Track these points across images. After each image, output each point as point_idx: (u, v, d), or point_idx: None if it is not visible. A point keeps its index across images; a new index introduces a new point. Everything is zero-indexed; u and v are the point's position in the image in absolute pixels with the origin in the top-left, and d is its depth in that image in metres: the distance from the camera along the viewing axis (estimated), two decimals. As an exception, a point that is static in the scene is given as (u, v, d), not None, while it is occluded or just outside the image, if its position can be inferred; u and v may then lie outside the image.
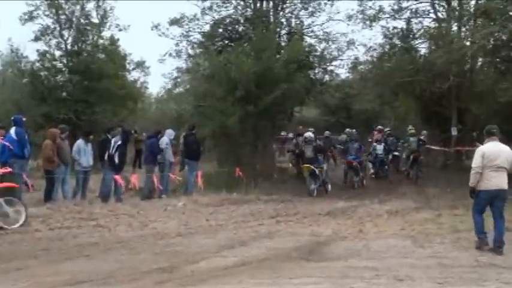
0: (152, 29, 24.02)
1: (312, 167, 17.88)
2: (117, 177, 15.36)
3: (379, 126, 26.10)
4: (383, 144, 22.64)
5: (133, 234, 10.40)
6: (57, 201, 14.14)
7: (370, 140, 24.19)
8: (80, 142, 15.60)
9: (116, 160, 15.49)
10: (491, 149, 9.15)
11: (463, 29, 22.00)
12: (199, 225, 11.48)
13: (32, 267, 7.77)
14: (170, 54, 24.19)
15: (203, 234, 10.38)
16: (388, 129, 25.63)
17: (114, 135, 15.97)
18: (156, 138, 17.38)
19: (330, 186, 18.88)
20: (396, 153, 23.31)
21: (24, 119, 13.82)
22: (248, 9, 23.82)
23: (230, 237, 10.08)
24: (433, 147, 23.74)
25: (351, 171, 20.28)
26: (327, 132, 22.16)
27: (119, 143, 15.53)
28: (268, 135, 21.74)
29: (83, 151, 15.44)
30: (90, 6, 27.57)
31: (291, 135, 24.93)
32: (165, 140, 17.39)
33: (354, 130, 22.75)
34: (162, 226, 11.32)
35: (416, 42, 24.17)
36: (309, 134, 19.22)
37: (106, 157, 15.53)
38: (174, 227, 11.26)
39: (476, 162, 9.10)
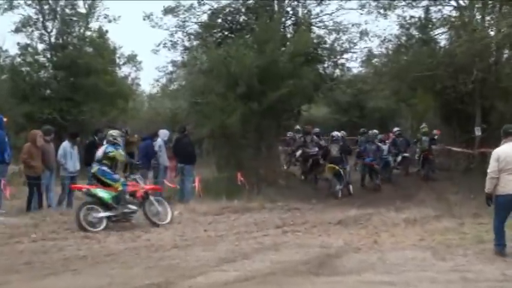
0: (144, 19, 24.04)
1: (338, 167, 19.06)
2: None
3: (396, 128, 26.18)
4: (388, 144, 23.19)
5: (125, 246, 10.40)
6: (40, 210, 14.17)
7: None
8: (65, 145, 15.61)
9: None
10: (507, 151, 9.33)
11: (487, 18, 21.94)
12: (197, 236, 11.49)
13: (13, 282, 7.78)
14: (165, 45, 24.21)
15: (201, 246, 10.37)
16: (397, 129, 25.92)
17: (102, 137, 15.99)
18: (151, 140, 17.43)
19: (352, 188, 19.87)
20: (406, 154, 23.74)
21: (4, 119, 13.87)
22: (250, -4, 23.82)
23: (231, 249, 10.08)
24: (454, 148, 23.71)
25: (373, 173, 21.08)
26: (342, 132, 22.49)
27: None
28: (273, 136, 21.73)
29: (69, 154, 15.45)
30: (76, -6, 27.72)
31: (289, 135, 25.32)
32: (158, 142, 17.41)
33: (376, 131, 23.20)
34: (156, 237, 11.33)
35: (436, 32, 24.10)
36: (336, 133, 20.48)
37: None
38: (169, 238, 11.26)
39: (491, 166, 9.31)
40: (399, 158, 23.59)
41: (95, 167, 12.92)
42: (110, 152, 12.93)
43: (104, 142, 13.46)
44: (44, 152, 14.57)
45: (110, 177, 12.83)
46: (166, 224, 12.79)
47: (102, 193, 12.51)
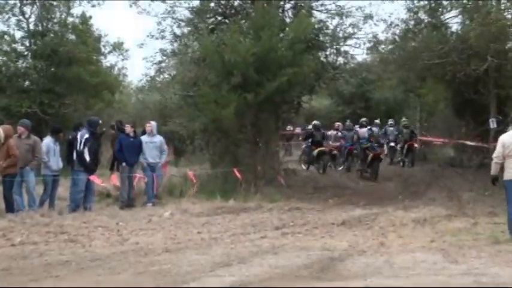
0: (131, 6, 23.91)
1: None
2: (93, 177, 15.44)
3: (391, 120, 29.30)
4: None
5: (112, 250, 10.41)
6: (20, 211, 14.16)
7: None
8: (48, 141, 15.61)
9: (87, 157, 15.49)
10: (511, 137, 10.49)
11: (503, 0, 21.92)
12: (190, 239, 11.51)
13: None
14: (152, 36, 24.05)
15: (194, 250, 10.40)
16: (391, 120, 28.98)
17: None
18: (122, 132, 17.52)
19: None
20: (392, 144, 27.77)
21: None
22: (245, -21, 23.74)
23: (226, 252, 10.10)
24: (467, 142, 23.79)
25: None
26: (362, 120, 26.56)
27: (86, 136, 15.55)
28: (272, 130, 21.74)
29: (52, 152, 15.46)
30: (56, -24, 27.62)
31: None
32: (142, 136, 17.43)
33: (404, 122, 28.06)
34: (146, 240, 11.34)
35: (447, 16, 24.03)
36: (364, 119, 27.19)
37: (74, 156, 15.50)
38: (159, 241, 11.28)
39: (496, 151, 10.61)
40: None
41: (367, 143, 24.06)
42: (370, 133, 24.43)
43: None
44: (9, 147, 14.45)
45: (375, 148, 23.96)
46: None
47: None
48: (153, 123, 18.07)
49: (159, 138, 17.74)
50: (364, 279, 8.09)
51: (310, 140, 25.90)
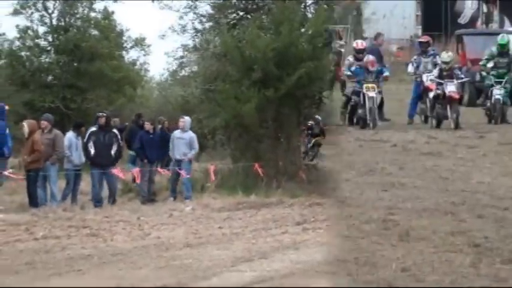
0: (153, 1, 23.95)
1: None
2: (116, 171, 15.49)
3: None
4: None
5: (133, 245, 10.45)
6: (43, 206, 14.26)
7: None
8: (70, 135, 15.70)
9: (91, 150, 15.54)
10: None
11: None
12: (211, 234, 11.51)
13: (13, 284, 7.82)
14: (174, 30, 24.08)
15: (215, 245, 10.39)
16: None
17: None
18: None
19: None
20: None
21: (6, 107, 13.91)
22: (267, -26, 23.68)
23: (248, 248, 10.08)
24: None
25: None
26: None
27: (92, 129, 15.62)
28: (293, 126, 21.63)
29: (75, 146, 15.53)
30: (79, -28, 27.77)
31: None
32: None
33: None
34: (167, 235, 11.36)
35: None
36: None
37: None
38: (181, 236, 11.30)
39: None
40: None
41: None
42: None
43: None
44: (34, 142, 14.55)
45: None
46: None
47: None
48: (187, 119, 17.97)
49: (189, 135, 17.63)
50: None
51: (309, 132, 26.93)
